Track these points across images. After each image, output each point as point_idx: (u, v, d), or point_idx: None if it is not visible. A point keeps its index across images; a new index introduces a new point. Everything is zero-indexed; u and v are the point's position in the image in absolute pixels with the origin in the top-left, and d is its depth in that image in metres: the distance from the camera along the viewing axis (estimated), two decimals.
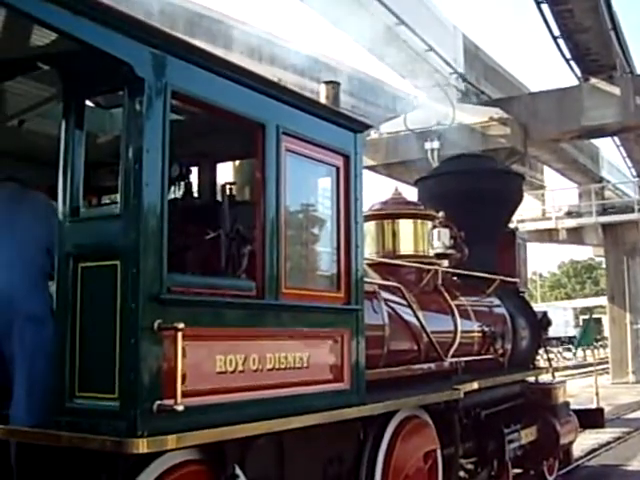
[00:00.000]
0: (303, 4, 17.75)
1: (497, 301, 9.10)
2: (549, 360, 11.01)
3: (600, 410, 11.18)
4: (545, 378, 10.32)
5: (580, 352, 41.98)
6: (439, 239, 8.19)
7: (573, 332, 54.35)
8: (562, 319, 49.83)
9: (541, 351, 10.45)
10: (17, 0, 3.26)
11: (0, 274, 4.04)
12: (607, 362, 32.67)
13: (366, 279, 5.69)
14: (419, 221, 7.97)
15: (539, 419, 8.99)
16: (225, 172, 5.82)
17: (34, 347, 3.96)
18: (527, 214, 32.50)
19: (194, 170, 5.57)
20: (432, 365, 6.82)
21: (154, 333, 3.62)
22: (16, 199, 4.34)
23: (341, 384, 4.97)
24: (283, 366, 4.45)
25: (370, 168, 22.91)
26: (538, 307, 20.46)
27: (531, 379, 9.69)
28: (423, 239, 7.96)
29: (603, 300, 42.88)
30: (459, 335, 7.51)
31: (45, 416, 3.81)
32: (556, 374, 11.80)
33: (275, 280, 4.44)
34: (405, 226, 7.91)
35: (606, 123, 23.20)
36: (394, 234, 7.85)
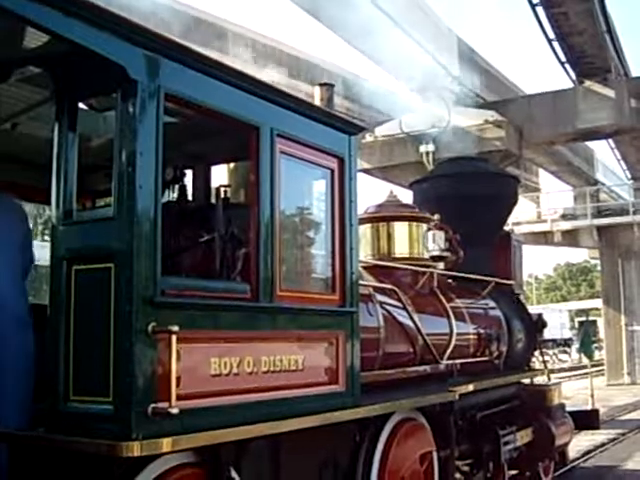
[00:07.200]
0: (292, 5, 17.60)
1: (492, 303, 9.10)
2: (544, 362, 11.02)
3: (595, 411, 11.18)
4: (540, 380, 10.33)
5: (575, 354, 42.09)
6: (434, 242, 8.19)
7: (569, 334, 54.51)
8: (558, 321, 49.90)
9: (536, 353, 10.46)
10: (8, 1, 3.24)
11: None
12: (602, 364, 32.74)
13: (361, 281, 5.68)
14: (414, 224, 7.97)
15: (534, 421, 8.98)
16: (219, 174, 5.81)
17: (22, 350, 3.94)
18: (522, 216, 32.55)
19: (188, 173, 5.56)
20: (427, 367, 6.82)
21: (148, 336, 3.61)
22: None
23: (336, 386, 4.95)
24: (278, 368, 4.44)
25: (365, 171, 22.93)
26: (534, 309, 20.49)
27: (526, 381, 9.69)
28: (418, 242, 7.96)
29: (598, 302, 42.97)
30: (454, 337, 7.51)
31: (31, 418, 3.81)
32: (551, 376, 11.81)
33: (270, 282, 4.43)
34: (400, 229, 7.90)
35: (601, 125, 23.27)
36: (389, 237, 7.84)
